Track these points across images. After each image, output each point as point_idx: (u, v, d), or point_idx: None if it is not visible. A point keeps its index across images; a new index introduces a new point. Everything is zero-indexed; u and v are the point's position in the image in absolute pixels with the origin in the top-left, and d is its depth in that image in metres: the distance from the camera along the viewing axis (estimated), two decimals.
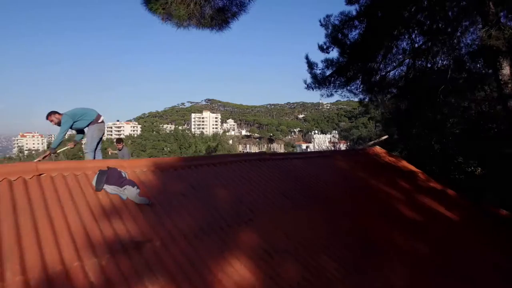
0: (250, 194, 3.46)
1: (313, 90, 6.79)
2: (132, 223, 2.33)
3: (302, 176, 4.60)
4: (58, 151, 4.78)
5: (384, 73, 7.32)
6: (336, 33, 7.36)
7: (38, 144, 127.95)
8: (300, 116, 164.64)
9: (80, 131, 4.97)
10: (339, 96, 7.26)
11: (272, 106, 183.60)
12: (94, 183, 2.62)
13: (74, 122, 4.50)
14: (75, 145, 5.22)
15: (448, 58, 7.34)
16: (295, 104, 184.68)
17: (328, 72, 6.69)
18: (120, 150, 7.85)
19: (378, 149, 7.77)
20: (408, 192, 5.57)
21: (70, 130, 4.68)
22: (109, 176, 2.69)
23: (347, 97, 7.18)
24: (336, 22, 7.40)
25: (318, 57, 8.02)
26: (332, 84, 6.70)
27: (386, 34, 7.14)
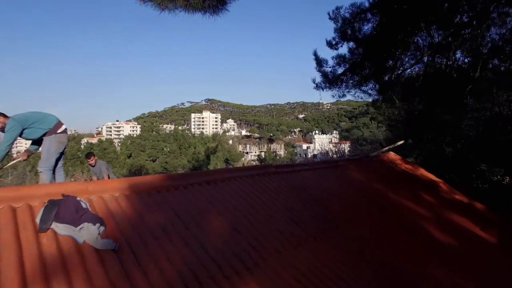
0: (253, 222, 2.73)
1: (323, 90, 6.05)
2: (84, 285, 1.60)
3: (313, 193, 3.88)
4: (4, 167, 3.91)
5: (400, 72, 6.59)
6: (346, 27, 6.63)
7: None
8: (300, 116, 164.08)
9: (36, 142, 3.94)
10: (352, 97, 6.51)
11: (272, 106, 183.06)
12: (38, 220, 1.90)
13: (24, 130, 3.55)
14: (28, 156, 4.10)
15: (471, 55, 6.62)
16: (295, 104, 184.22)
17: (340, 70, 5.95)
18: (93, 166, 6.55)
19: (392, 155, 7.06)
20: (433, 208, 4.85)
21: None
22: (62, 209, 1.97)
23: (361, 98, 6.47)
24: (347, 15, 6.67)
25: (324, 54, 7.29)
26: (344, 84, 5.96)
27: (403, 28, 6.42)
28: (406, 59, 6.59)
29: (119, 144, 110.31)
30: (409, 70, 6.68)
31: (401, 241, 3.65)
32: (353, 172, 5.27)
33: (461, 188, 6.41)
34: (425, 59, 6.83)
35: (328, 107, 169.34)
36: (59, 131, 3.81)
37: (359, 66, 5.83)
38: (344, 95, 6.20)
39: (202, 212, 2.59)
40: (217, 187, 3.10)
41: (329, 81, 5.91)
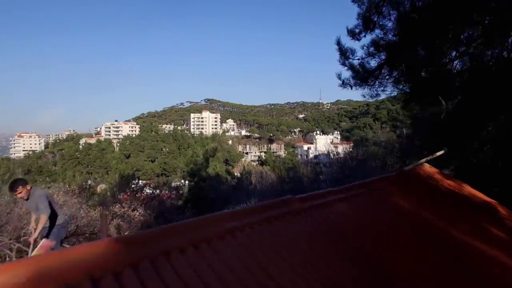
0: None
1: (351, 88, 4.73)
2: None
3: (356, 241, 2.60)
4: None
5: (442, 65, 5.32)
6: (374, 11, 5.35)
7: (35, 144, 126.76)
8: (300, 116, 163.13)
9: None
10: (385, 95, 5.25)
11: (272, 106, 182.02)
12: None
13: None
14: None
15: None
16: (295, 104, 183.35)
17: (372, 63, 4.64)
18: (27, 199, 4.13)
19: (428, 168, 5.78)
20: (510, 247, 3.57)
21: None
22: None
23: (397, 98, 5.20)
24: None
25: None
26: (378, 80, 4.65)
27: (446, 13, 5.14)
28: (450, 50, 5.31)
29: (118, 144, 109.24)
30: (452, 64, 5.40)
31: None
32: (394, 196, 3.98)
33: None
34: (472, 51, 5.56)
35: (328, 107, 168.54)
36: None
37: (400, 57, 4.52)
38: (378, 95, 4.88)
39: None
40: (211, 253, 1.80)
41: (361, 77, 4.57)
